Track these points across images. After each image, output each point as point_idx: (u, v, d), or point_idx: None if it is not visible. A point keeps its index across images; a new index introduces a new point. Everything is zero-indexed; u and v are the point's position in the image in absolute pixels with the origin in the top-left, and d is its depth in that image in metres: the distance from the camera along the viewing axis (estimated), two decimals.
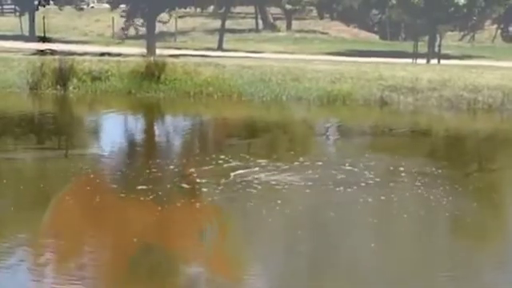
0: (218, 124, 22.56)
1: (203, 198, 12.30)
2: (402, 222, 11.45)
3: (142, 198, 11.92)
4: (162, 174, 13.84)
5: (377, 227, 11.22)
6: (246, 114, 23.84)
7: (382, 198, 12.40)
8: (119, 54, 33.45)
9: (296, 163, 14.90)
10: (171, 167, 14.47)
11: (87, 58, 29.92)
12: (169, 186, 12.91)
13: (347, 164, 14.88)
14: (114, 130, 20.81)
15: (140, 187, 12.53)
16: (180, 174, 13.88)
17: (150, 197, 11.97)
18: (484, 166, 16.88)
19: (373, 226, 11.23)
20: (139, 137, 20.35)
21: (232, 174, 13.60)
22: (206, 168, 14.21)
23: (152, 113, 24.33)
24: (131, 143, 18.84)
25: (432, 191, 12.80)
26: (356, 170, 14.43)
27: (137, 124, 22.83)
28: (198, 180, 13.29)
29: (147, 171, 13.89)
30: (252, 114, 23.82)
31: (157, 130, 22.38)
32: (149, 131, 21.59)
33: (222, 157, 15.13)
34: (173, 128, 22.40)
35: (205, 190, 12.75)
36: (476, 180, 14.87)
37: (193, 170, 14.05)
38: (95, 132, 20.53)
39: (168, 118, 24.49)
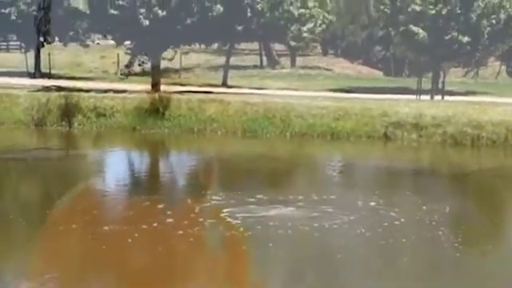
0: (221, 161, 22.48)
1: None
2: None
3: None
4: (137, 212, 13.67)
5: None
6: (250, 150, 23.85)
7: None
8: (124, 91, 33.53)
9: (307, 201, 14.83)
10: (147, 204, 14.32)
11: (92, 94, 30.03)
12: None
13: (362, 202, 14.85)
14: (115, 167, 20.70)
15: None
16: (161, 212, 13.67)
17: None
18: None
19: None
20: (137, 174, 20.12)
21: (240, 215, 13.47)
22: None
23: (155, 149, 24.34)
24: (127, 180, 18.63)
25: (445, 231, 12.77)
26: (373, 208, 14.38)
27: (140, 161, 22.78)
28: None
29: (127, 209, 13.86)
30: (256, 150, 23.82)
31: (156, 167, 22.26)
32: (149, 168, 21.49)
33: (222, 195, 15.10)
34: (172, 165, 22.30)
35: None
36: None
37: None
38: (96, 169, 20.38)
39: (169, 155, 24.42)
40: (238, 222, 12.88)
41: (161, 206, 14.01)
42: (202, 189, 16.34)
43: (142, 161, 22.74)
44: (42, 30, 39.88)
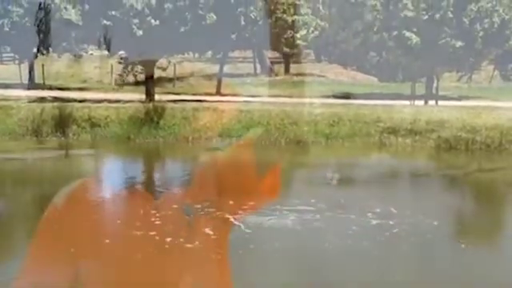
0: (218, 169, 22.36)
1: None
2: None
3: None
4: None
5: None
6: (246, 158, 23.77)
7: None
8: (118, 101, 33.56)
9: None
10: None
11: (86, 104, 30.04)
12: None
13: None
14: (105, 176, 20.46)
15: None
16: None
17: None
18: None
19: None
20: (127, 183, 19.65)
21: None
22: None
23: (148, 159, 24.25)
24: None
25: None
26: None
27: (132, 170, 22.55)
28: None
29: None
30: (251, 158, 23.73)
31: (149, 175, 22.05)
32: (141, 177, 21.26)
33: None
34: (165, 174, 22.12)
35: None
36: None
37: None
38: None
39: (163, 164, 24.27)
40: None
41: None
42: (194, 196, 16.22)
43: (134, 170, 22.58)
44: (41, 40, 39.94)
